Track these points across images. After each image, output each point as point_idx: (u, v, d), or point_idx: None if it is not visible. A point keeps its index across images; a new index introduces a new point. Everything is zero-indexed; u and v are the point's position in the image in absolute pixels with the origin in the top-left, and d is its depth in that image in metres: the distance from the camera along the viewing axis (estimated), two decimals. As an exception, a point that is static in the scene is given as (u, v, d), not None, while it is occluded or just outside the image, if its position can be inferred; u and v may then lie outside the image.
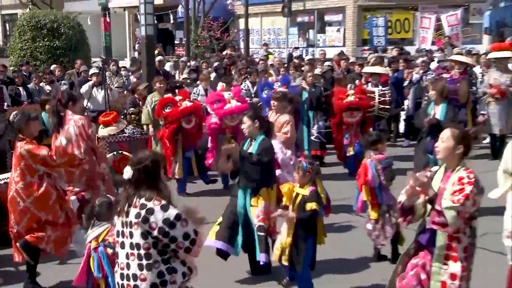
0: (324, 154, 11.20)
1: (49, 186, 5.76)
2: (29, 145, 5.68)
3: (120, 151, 9.91)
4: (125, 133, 10.34)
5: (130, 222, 3.48)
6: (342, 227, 7.55)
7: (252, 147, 6.28)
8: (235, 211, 6.25)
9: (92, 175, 6.80)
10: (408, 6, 22.69)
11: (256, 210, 6.14)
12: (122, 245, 3.61)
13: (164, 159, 8.74)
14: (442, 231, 4.20)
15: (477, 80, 12.02)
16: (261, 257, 6.00)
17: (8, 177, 7.26)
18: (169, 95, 10.19)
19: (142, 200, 3.48)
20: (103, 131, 9.99)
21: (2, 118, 8.91)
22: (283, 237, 5.73)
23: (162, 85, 10.25)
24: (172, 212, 3.45)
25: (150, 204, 3.45)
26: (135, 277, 3.48)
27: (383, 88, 10.53)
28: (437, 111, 8.01)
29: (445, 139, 4.30)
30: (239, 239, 6.32)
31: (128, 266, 3.53)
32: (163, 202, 3.50)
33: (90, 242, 4.70)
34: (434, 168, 4.53)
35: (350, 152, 9.82)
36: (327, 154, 11.22)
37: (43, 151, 5.71)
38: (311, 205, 5.56)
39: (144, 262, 3.47)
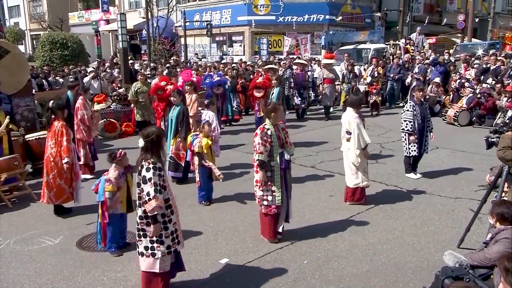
0: (240, 118, 11.24)
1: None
2: (63, 128, 5.22)
3: (108, 119, 10.06)
4: (111, 107, 10.38)
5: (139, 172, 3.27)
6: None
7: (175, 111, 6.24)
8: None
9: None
10: (280, 32, 22.97)
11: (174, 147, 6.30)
12: (138, 185, 3.28)
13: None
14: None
15: (313, 73, 12.36)
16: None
17: (37, 135, 7.06)
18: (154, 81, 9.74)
19: (144, 161, 3.22)
20: (97, 107, 10.08)
21: (32, 98, 8.40)
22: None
23: (142, 77, 10.09)
24: (149, 173, 3.15)
25: (144, 164, 3.20)
26: (139, 205, 3.31)
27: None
28: (275, 93, 8.13)
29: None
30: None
31: (139, 198, 3.29)
32: (151, 165, 3.17)
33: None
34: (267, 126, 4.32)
35: (260, 114, 8.46)
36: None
37: (70, 132, 5.35)
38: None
39: (140, 201, 3.26)
